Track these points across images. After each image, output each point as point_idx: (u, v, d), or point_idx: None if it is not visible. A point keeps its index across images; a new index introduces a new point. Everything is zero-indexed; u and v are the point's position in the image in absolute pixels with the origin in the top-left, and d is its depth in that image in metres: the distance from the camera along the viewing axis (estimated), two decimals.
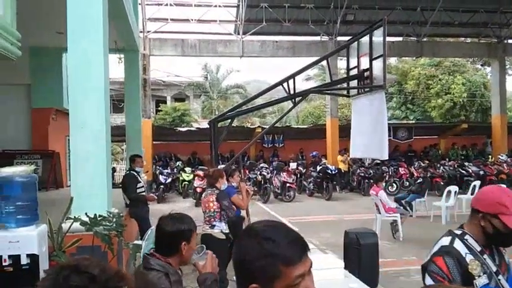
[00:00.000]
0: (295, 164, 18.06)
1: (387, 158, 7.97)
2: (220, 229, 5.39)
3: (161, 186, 15.62)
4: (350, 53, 9.07)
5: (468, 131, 21.83)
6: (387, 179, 16.20)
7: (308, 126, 23.81)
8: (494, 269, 2.01)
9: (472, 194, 11.83)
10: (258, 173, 16.19)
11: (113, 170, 18.16)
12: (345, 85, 9.48)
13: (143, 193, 7.74)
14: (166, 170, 16.54)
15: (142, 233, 7.42)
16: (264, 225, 1.27)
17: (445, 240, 2.16)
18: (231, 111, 10.33)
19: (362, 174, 16.92)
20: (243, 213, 6.63)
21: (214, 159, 9.37)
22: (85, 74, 5.19)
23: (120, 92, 19.07)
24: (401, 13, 18.27)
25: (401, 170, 17.32)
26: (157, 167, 17.34)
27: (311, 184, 16.67)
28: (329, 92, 11.85)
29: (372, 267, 5.85)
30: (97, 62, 5.24)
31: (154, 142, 18.32)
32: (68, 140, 6.61)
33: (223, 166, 9.91)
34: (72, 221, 4.50)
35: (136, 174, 7.71)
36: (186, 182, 16.38)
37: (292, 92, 9.02)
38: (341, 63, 20.36)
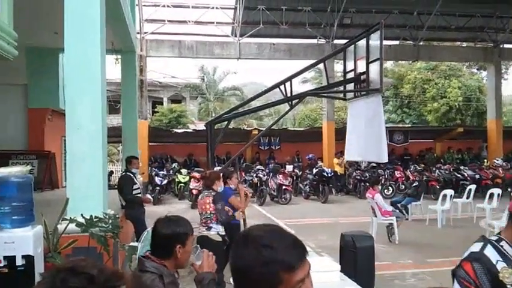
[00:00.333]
0: (292, 166, 18.08)
1: (386, 160, 7.99)
2: (216, 231, 5.38)
3: (157, 187, 15.58)
4: (346, 56, 9.11)
5: (464, 135, 21.91)
6: (383, 182, 16.26)
7: (305, 129, 23.83)
8: None
9: (467, 197, 11.87)
10: (254, 175, 16.19)
11: (111, 173, 18.15)
12: (341, 88, 9.52)
13: (139, 195, 7.73)
14: (162, 172, 16.52)
15: (137, 234, 7.40)
16: (261, 230, 1.24)
17: (476, 247, 2.12)
18: (228, 113, 10.34)
19: (358, 177, 16.94)
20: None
21: (210, 161, 9.37)
22: (81, 75, 5.18)
23: (117, 93, 19.09)
24: (397, 17, 18.32)
25: (397, 174, 17.36)
26: (153, 168, 17.31)
27: (307, 187, 16.67)
28: (325, 95, 11.89)
29: (368, 270, 5.87)
30: (94, 62, 5.24)
31: (150, 143, 18.28)
32: (64, 140, 6.58)
33: (219, 168, 9.90)
34: (68, 222, 4.48)
35: (132, 175, 7.70)
36: (182, 184, 16.35)
37: (289, 94, 9.04)
38: (338, 66, 20.45)
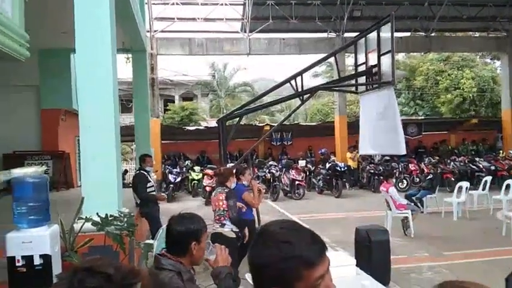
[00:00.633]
0: (304, 161, 18.03)
1: (404, 152, 7.95)
2: (230, 228, 5.39)
3: (171, 185, 15.66)
4: (357, 49, 9.04)
5: (478, 126, 21.66)
6: (397, 175, 16.13)
7: (317, 124, 23.73)
8: None
9: (483, 189, 11.74)
10: (267, 171, 16.18)
11: (125, 171, 18.28)
12: (353, 81, 9.45)
13: (154, 192, 7.76)
14: (175, 169, 16.58)
15: (152, 232, 7.45)
16: (280, 227, 1.23)
17: None
18: (239, 109, 10.33)
19: (372, 171, 16.83)
20: (254, 212, 6.62)
21: (223, 158, 9.38)
22: (93, 75, 5.22)
23: (128, 92, 19.21)
24: (408, 8, 18.12)
25: (411, 166, 17.21)
26: (166, 166, 17.39)
27: (320, 181, 16.62)
28: (337, 88, 11.82)
29: (383, 264, 5.85)
30: (105, 62, 5.27)
31: (162, 141, 18.37)
32: (78, 140, 6.65)
33: (232, 164, 9.91)
34: (83, 221, 4.52)
35: (146, 173, 7.74)
36: (195, 181, 16.41)
37: (300, 89, 9.01)
38: (349, 60, 20.26)
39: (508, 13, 19.15)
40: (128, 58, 11.75)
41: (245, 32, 18.13)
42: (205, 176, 14.98)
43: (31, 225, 3.86)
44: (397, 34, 15.11)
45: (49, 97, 12.55)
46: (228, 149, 10.23)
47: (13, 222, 3.89)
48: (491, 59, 30.55)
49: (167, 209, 11.46)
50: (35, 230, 3.86)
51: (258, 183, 15.26)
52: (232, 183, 5.62)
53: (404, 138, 7.77)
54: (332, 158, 17.49)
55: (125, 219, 4.70)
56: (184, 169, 16.98)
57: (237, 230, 5.48)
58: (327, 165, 16.35)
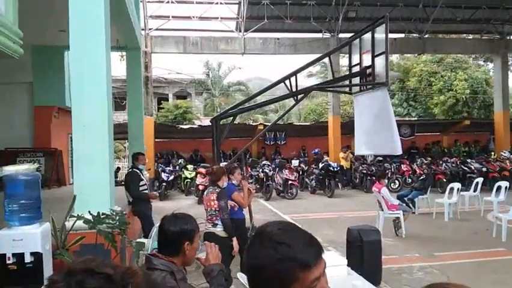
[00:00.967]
0: (298, 161, 18.07)
1: (400, 152, 7.95)
2: (222, 228, 5.38)
3: (164, 183, 15.63)
4: (352, 50, 9.05)
5: (470, 128, 21.78)
6: (389, 176, 16.19)
7: (310, 124, 23.78)
8: None
9: (474, 190, 11.82)
10: (260, 170, 16.19)
11: (118, 169, 18.20)
12: (347, 82, 9.46)
13: (146, 191, 7.74)
14: (168, 168, 16.55)
15: (144, 230, 7.44)
16: (277, 228, 1.22)
17: None
18: (233, 108, 10.32)
19: (364, 171, 16.90)
20: (245, 211, 6.62)
21: (216, 157, 9.38)
22: (87, 72, 5.20)
23: (122, 89, 19.15)
24: (403, 10, 18.19)
25: (403, 167, 17.29)
26: (159, 164, 17.36)
27: (313, 181, 16.66)
28: (331, 89, 11.84)
29: (375, 264, 5.88)
30: (99, 59, 5.25)
31: (156, 140, 18.33)
32: (71, 138, 6.63)
33: (225, 163, 9.91)
34: (75, 219, 4.51)
35: (138, 171, 7.72)
36: (188, 180, 16.40)
37: (294, 89, 9.01)
38: (343, 61, 20.34)
39: (502, 16, 19.29)
40: (122, 56, 11.73)
41: (240, 31, 18.13)
42: (198, 175, 14.97)
43: (22, 223, 3.85)
44: (391, 35, 15.19)
45: (42, 94, 12.49)
46: (221, 148, 10.22)
47: (4, 219, 3.88)
48: (484, 61, 30.75)
49: (160, 208, 11.45)
50: (27, 227, 3.86)
51: (251, 182, 15.33)
52: (224, 183, 5.61)
53: None
54: (325, 158, 17.54)
55: (117, 217, 4.70)
56: (177, 167, 16.95)
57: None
58: (320, 165, 16.39)
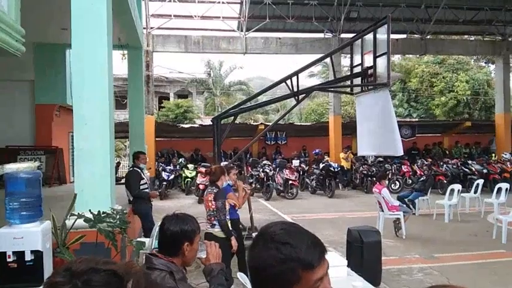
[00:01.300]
0: (298, 161, 18.06)
1: (402, 153, 7.95)
2: (220, 228, 5.36)
3: (164, 182, 15.63)
4: (353, 51, 9.05)
5: (471, 129, 21.77)
6: (390, 176, 16.18)
7: (311, 124, 23.76)
8: None
9: (475, 192, 11.81)
10: (261, 170, 16.19)
11: (118, 164, 18.18)
12: (348, 83, 9.45)
13: (147, 190, 7.74)
14: (168, 167, 16.55)
15: (144, 229, 7.44)
16: (280, 228, 1.22)
17: None
18: (234, 108, 10.31)
19: (365, 172, 16.89)
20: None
21: (216, 156, 9.37)
22: (88, 70, 5.19)
23: (123, 88, 19.12)
24: (405, 10, 18.20)
25: (404, 168, 17.29)
26: (160, 163, 17.36)
27: (314, 181, 16.66)
28: (332, 89, 11.83)
29: (375, 265, 5.88)
30: (101, 58, 5.24)
31: (156, 138, 18.34)
32: (72, 136, 6.63)
33: (226, 163, 9.90)
34: (76, 217, 4.51)
35: (139, 170, 7.72)
36: (189, 179, 16.40)
37: (295, 89, 8.99)
38: (345, 61, 20.35)
39: (504, 17, 19.28)
40: (124, 55, 11.71)
41: (242, 30, 18.12)
42: (199, 174, 14.97)
43: (23, 221, 3.85)
44: (393, 36, 15.20)
45: (43, 92, 12.49)
46: (222, 147, 10.21)
47: (5, 217, 3.88)
48: (485, 63, 30.73)
49: (160, 207, 11.47)
50: (27, 225, 3.85)
51: (251, 182, 15.33)
52: (223, 183, 5.59)
53: None
54: (326, 158, 17.54)
55: (118, 216, 4.69)
56: (178, 167, 16.96)
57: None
58: (321, 166, 16.39)
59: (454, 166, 16.84)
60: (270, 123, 17.27)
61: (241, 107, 10.41)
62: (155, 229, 4.23)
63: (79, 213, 4.53)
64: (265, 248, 1.18)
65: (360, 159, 17.71)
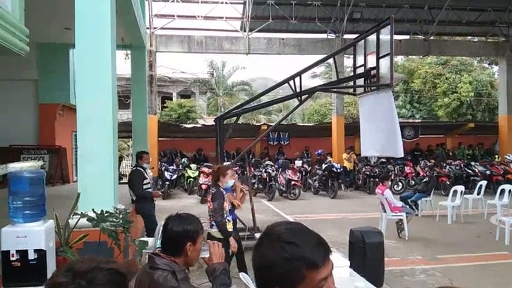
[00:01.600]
0: (301, 161, 18.06)
1: (402, 155, 7.93)
2: (217, 229, 5.35)
3: (167, 182, 15.64)
4: (356, 51, 9.03)
5: (475, 131, 21.72)
6: (392, 177, 16.17)
7: (314, 124, 23.76)
8: None
9: (478, 193, 11.78)
10: (263, 170, 16.18)
11: (120, 158, 18.16)
12: (351, 83, 9.44)
13: (150, 189, 7.75)
14: (171, 167, 16.56)
15: (147, 229, 7.45)
16: (285, 228, 1.23)
17: None
18: (237, 108, 10.32)
19: (368, 173, 16.87)
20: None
21: (219, 156, 9.38)
22: (92, 70, 5.21)
23: (127, 88, 19.16)
24: (408, 11, 18.18)
25: (407, 169, 17.26)
26: (163, 163, 17.38)
27: (316, 182, 16.64)
28: (335, 90, 11.81)
29: (377, 266, 5.86)
30: (104, 58, 5.26)
31: (159, 138, 18.35)
32: (75, 135, 6.65)
33: (228, 163, 9.91)
34: (79, 216, 4.52)
35: (142, 170, 7.73)
36: (191, 179, 16.41)
37: (298, 89, 8.99)
38: (348, 61, 20.29)
39: (507, 18, 19.23)
40: (127, 54, 11.74)
41: (245, 31, 18.13)
42: (201, 174, 14.99)
43: (26, 220, 3.86)
44: (396, 37, 15.18)
45: (47, 92, 12.54)
46: (225, 147, 10.22)
47: (8, 216, 3.89)
48: (489, 64, 30.67)
49: (163, 207, 11.48)
50: (31, 224, 3.86)
51: (253, 182, 15.32)
52: (225, 183, 5.57)
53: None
54: (329, 158, 17.52)
55: (121, 215, 4.70)
56: (181, 166, 16.98)
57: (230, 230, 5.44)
58: (323, 166, 16.37)
59: (457, 167, 16.81)
60: (273, 124, 17.27)
61: (244, 107, 10.41)
62: (159, 229, 4.23)
63: (82, 213, 4.54)
64: (270, 247, 1.19)
65: (363, 160, 17.69)
